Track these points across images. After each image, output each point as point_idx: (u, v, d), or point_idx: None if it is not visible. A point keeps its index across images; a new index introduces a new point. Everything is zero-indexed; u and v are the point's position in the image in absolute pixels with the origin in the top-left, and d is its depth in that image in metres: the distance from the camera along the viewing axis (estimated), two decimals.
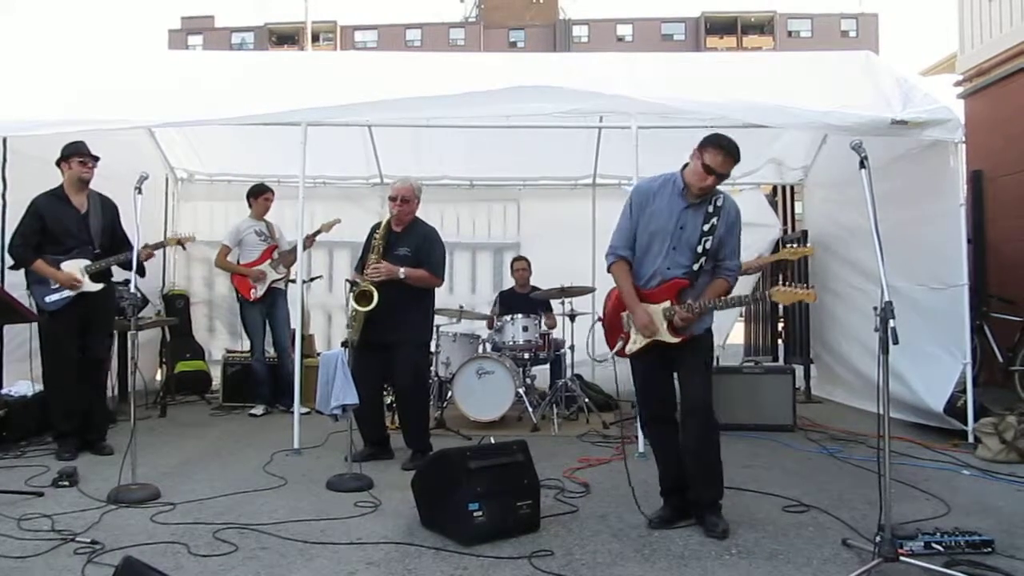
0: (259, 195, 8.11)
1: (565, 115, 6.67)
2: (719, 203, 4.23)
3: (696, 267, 4.18)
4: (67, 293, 5.77)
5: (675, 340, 4.19)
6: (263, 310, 7.99)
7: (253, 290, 7.94)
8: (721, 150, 4.11)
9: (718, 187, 4.26)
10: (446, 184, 9.62)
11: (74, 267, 5.82)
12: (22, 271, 5.89)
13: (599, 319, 4.68)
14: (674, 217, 4.23)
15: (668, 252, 4.23)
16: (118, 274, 6.13)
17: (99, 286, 5.85)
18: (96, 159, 5.97)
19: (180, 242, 6.64)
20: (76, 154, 5.89)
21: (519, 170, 9.58)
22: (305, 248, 8.12)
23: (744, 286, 9.11)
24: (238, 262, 8.08)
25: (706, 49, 53.92)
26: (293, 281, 8.19)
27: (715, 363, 5.62)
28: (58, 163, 5.96)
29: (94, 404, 6.02)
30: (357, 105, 6.45)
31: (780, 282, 8.99)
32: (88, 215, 5.95)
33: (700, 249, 4.18)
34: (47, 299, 5.75)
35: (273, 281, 7.94)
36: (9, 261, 5.91)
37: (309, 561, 3.70)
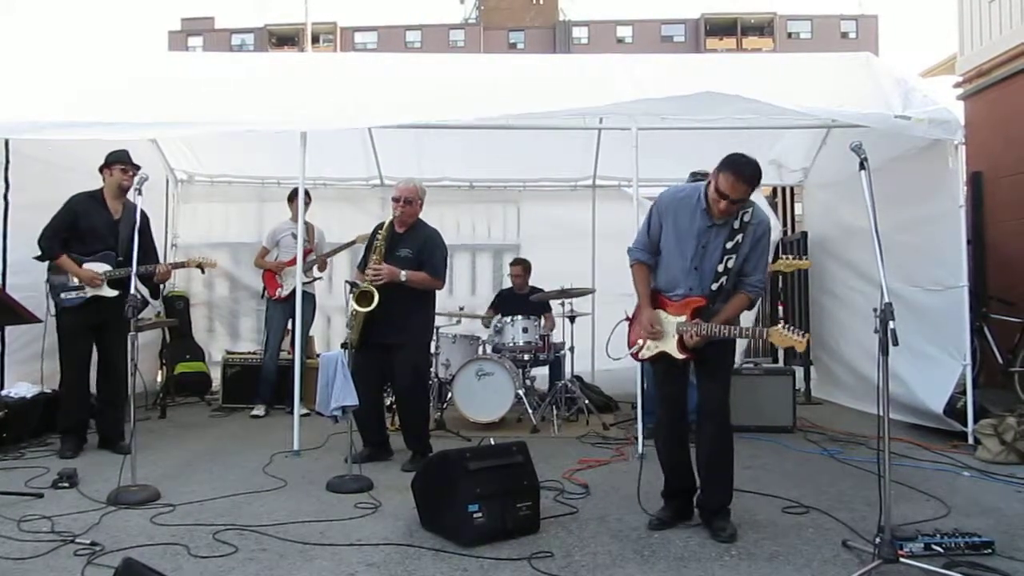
0: (294, 199, 8.08)
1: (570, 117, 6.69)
2: (746, 219, 4.09)
3: (715, 287, 4.11)
4: (83, 294, 5.88)
5: (680, 356, 4.15)
6: (287, 311, 7.96)
7: (279, 289, 7.98)
8: (734, 176, 3.93)
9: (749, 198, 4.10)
10: (446, 186, 9.62)
11: (96, 268, 5.93)
12: (43, 268, 5.98)
13: (626, 318, 4.65)
14: (697, 236, 4.14)
15: (691, 271, 4.17)
16: None
17: (114, 293, 5.91)
18: (137, 167, 6.07)
19: (200, 265, 6.58)
20: (118, 162, 6.05)
21: (519, 172, 9.59)
22: (324, 260, 8.14)
23: None
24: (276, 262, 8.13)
25: (706, 50, 53.94)
26: (318, 278, 8.25)
27: None
28: (100, 169, 6.10)
29: (110, 405, 6.07)
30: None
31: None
32: (120, 222, 6.06)
33: (721, 268, 4.09)
34: (62, 295, 5.90)
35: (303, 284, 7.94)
36: (31, 259, 5.99)
37: (309, 562, 3.70)
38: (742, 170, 3.95)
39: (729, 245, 4.09)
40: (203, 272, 6.89)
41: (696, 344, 4.10)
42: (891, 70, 7.08)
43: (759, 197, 9.96)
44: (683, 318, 4.14)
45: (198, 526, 4.20)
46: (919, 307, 6.61)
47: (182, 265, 6.65)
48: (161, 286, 6.28)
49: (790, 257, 8.39)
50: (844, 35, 57.24)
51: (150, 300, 5.81)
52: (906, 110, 6.25)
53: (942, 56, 12.21)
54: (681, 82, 7.15)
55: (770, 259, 8.79)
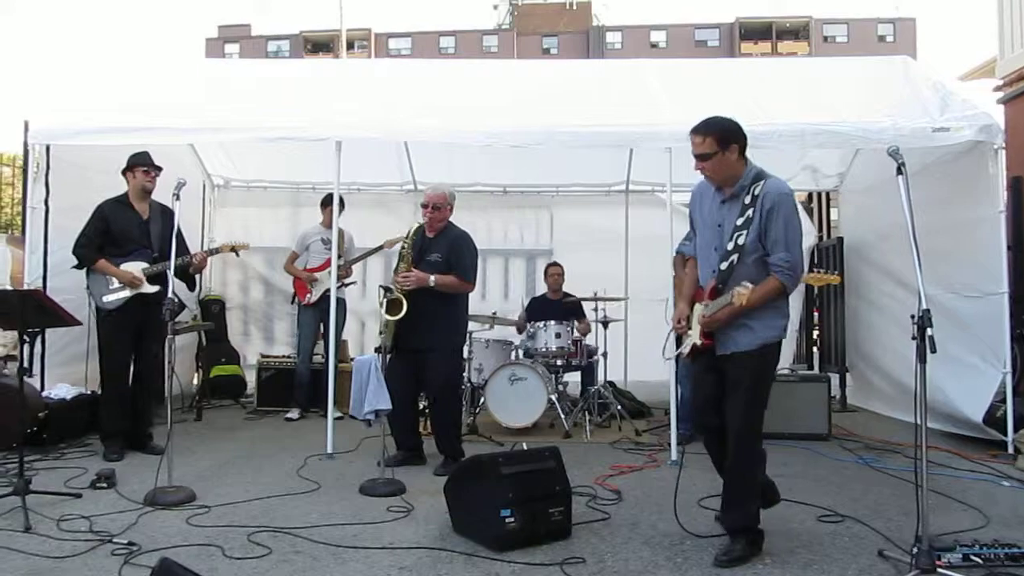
0: (328, 204, 8.12)
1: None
2: (757, 191, 3.89)
3: (724, 265, 3.92)
4: (124, 293, 5.99)
5: (699, 342, 4.00)
6: (317, 315, 8.06)
7: (308, 295, 8.05)
8: (692, 136, 3.98)
9: (763, 173, 3.98)
10: (479, 191, 9.65)
11: (132, 268, 6.04)
12: (83, 273, 6.09)
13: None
14: (713, 216, 4.06)
15: (712, 253, 4.04)
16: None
17: (156, 288, 6.01)
18: (159, 169, 6.21)
19: (234, 248, 6.76)
20: (141, 164, 6.15)
21: (552, 177, 9.59)
22: (349, 268, 8.18)
23: None
24: (305, 267, 8.19)
25: (740, 55, 53.56)
26: (351, 283, 8.35)
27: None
28: (124, 172, 6.20)
29: (144, 405, 6.17)
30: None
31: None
32: (149, 221, 6.19)
33: (731, 246, 3.91)
34: (104, 299, 5.99)
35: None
36: (71, 261, 6.10)
37: (342, 565, 3.72)
38: (695, 129, 3.97)
39: (740, 221, 3.91)
40: (237, 255, 6.97)
41: (709, 324, 3.93)
42: (929, 74, 7.01)
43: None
44: (702, 304, 4.03)
45: (233, 527, 4.25)
46: (958, 314, 6.51)
47: (216, 251, 6.80)
48: (197, 277, 6.44)
49: (821, 271, 8.24)
50: (881, 38, 56.50)
51: (188, 292, 5.81)
52: (944, 115, 6.19)
53: (982, 59, 12.06)
54: (716, 90, 7.14)
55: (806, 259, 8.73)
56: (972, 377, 6.35)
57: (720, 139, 3.92)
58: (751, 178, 3.95)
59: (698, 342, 4.02)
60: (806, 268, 8.23)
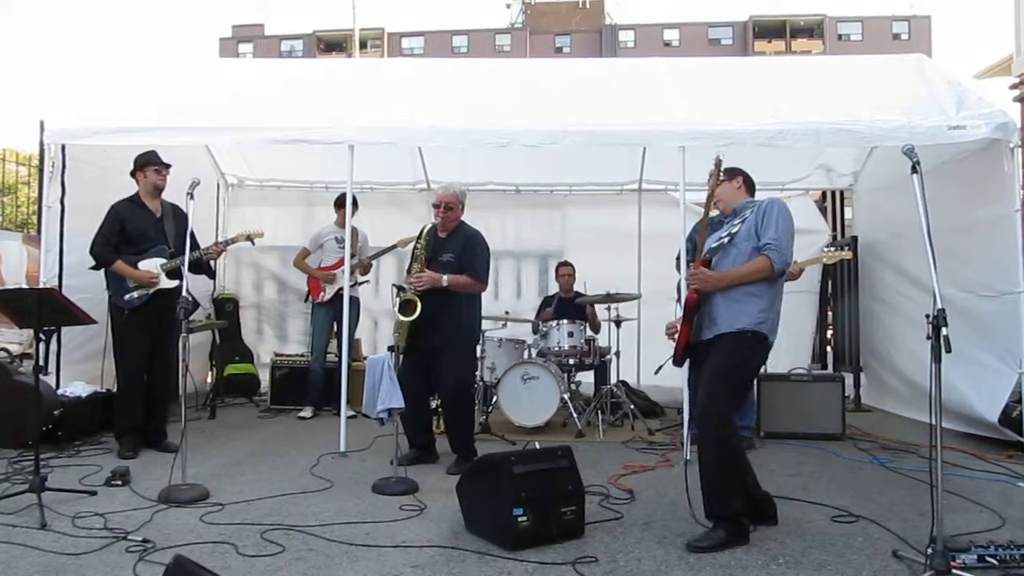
0: (342, 205, 8.15)
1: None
2: (755, 207, 4.32)
3: (715, 244, 4.29)
4: (143, 291, 6.03)
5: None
6: (331, 314, 8.09)
7: (322, 292, 8.09)
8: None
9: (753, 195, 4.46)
10: (492, 190, 9.65)
11: (150, 265, 6.09)
12: (101, 273, 6.12)
13: None
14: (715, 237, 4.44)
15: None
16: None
17: (175, 283, 6.03)
18: (168, 166, 6.26)
19: (249, 237, 6.76)
20: (150, 164, 6.20)
21: (565, 176, 9.57)
22: (368, 265, 8.21)
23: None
24: (319, 265, 8.22)
25: (754, 53, 53.25)
26: (363, 282, 8.37)
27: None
28: (133, 174, 6.24)
29: (158, 403, 6.20)
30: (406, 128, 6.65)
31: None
32: (163, 219, 6.24)
33: (725, 233, 4.30)
34: (124, 298, 6.03)
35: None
36: (88, 262, 6.13)
37: (354, 563, 3.73)
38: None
39: (736, 221, 4.32)
40: (253, 243, 6.96)
41: (692, 275, 4.19)
42: (944, 72, 6.96)
43: (807, 201, 9.90)
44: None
45: (246, 525, 4.26)
46: (973, 313, 6.48)
47: (232, 241, 6.76)
48: (212, 263, 6.59)
49: (832, 249, 8.24)
50: (896, 36, 56.17)
51: (207, 283, 5.80)
52: (959, 113, 6.15)
53: (998, 57, 12.01)
54: (730, 89, 7.12)
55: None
56: (987, 377, 6.31)
57: (727, 172, 4.47)
58: (752, 203, 4.41)
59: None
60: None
